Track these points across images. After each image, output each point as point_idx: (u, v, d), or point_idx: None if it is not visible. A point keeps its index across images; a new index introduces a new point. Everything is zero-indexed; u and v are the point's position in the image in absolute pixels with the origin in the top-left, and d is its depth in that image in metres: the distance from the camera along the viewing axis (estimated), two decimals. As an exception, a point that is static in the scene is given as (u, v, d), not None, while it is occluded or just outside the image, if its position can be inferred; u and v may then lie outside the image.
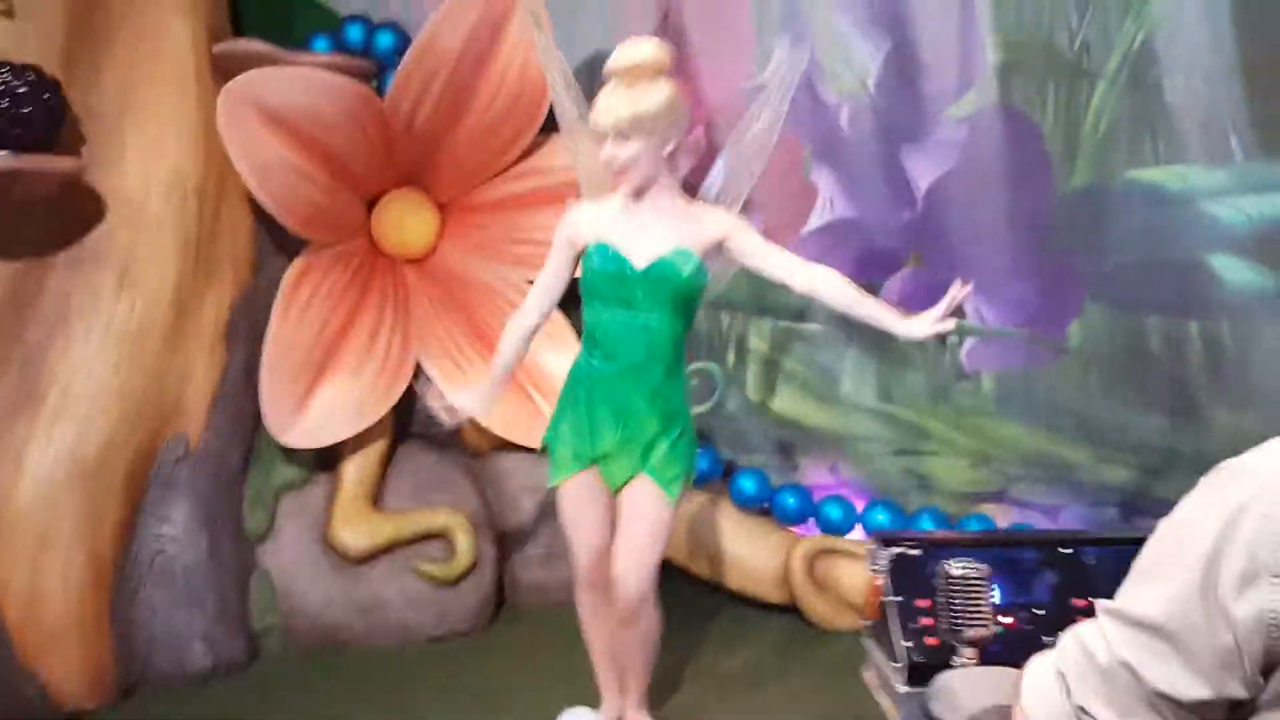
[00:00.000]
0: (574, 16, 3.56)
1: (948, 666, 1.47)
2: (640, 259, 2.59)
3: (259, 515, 3.43)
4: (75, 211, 3.13)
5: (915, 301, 3.91)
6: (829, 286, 2.60)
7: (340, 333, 3.48)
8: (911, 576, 1.60)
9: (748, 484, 3.74)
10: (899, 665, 1.53)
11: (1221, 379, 3.27)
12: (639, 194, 2.59)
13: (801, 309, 3.97)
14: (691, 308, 2.67)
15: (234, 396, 3.35)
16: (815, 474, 3.97)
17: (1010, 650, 1.55)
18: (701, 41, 3.65)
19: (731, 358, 4.12)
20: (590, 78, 3.70)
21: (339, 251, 3.55)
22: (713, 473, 3.76)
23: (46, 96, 2.96)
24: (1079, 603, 1.70)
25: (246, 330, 3.37)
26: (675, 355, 2.67)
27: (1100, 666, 1.01)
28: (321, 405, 3.41)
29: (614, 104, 2.48)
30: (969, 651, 1.47)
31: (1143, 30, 3.11)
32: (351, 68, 3.49)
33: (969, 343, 3.75)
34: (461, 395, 2.87)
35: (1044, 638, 1.56)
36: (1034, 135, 3.36)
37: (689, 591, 3.68)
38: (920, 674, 1.52)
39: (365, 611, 3.44)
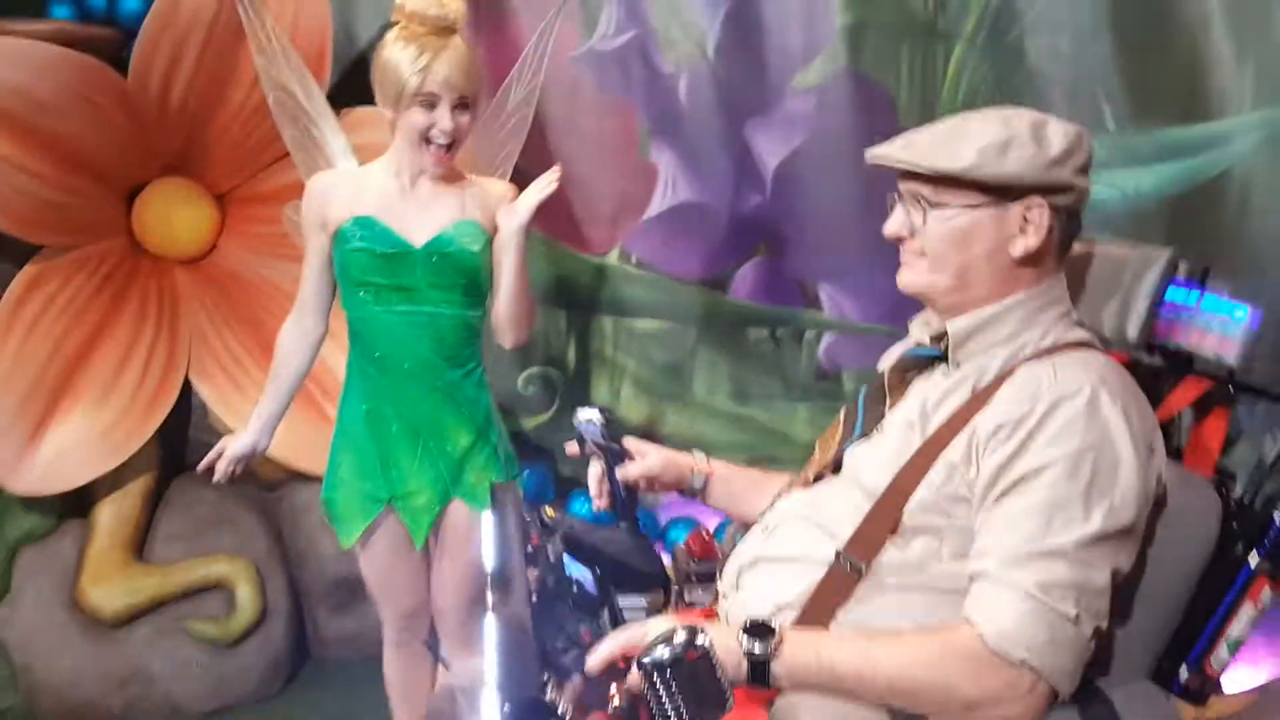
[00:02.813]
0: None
1: None
2: (419, 235, 2.14)
3: (-14, 576, 2.86)
4: None
5: (766, 293, 3.58)
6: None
7: (81, 352, 2.90)
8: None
9: (583, 508, 3.27)
10: None
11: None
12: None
13: (644, 303, 3.56)
14: (484, 292, 2.22)
15: (-55, 436, 2.76)
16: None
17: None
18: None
19: (572, 360, 3.69)
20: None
21: (83, 255, 2.97)
22: (543, 495, 3.28)
23: None
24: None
25: (-39, 355, 2.79)
26: (473, 351, 2.25)
27: (1101, 588, 1.19)
28: (57, 442, 2.84)
29: (440, 64, 2.02)
30: None
31: (1001, -17, 2.82)
32: (83, 37, 2.88)
33: (827, 338, 3.41)
34: (234, 440, 2.30)
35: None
36: (887, 105, 3.04)
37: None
38: None
39: (124, 685, 2.90)
